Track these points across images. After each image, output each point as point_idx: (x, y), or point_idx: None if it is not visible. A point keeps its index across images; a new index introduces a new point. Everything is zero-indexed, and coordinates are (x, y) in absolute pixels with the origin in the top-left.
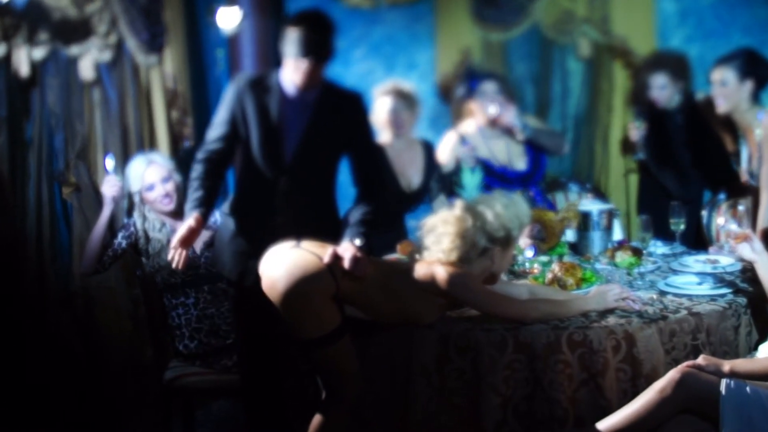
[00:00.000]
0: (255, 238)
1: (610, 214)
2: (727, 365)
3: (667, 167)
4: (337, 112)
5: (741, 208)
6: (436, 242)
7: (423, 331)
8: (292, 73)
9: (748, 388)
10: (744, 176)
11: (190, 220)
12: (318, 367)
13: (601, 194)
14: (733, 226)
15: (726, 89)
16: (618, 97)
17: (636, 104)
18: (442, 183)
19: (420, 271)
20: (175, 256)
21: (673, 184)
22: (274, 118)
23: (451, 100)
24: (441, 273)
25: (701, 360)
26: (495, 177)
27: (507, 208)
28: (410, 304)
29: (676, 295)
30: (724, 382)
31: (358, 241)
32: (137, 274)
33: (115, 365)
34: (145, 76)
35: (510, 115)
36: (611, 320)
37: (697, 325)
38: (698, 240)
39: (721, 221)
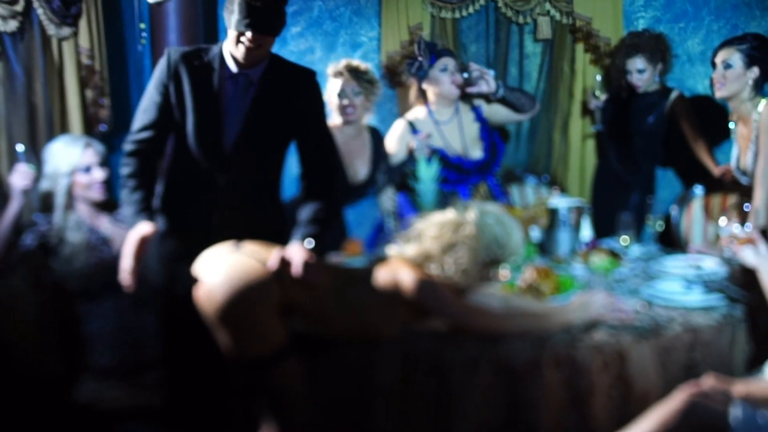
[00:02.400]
0: (187, 240)
1: (580, 211)
2: (738, 388)
3: (615, 143)
4: (285, 91)
5: (746, 208)
6: (447, 251)
7: (384, 348)
8: (234, 47)
9: (759, 418)
10: (716, 170)
11: (140, 229)
12: (260, 389)
13: (557, 186)
14: (736, 228)
15: (730, 72)
16: (579, 83)
17: (612, 89)
18: (390, 174)
19: (382, 276)
20: (126, 275)
21: (616, 162)
22: (213, 99)
23: (397, 83)
24: (407, 278)
25: (707, 382)
26: (451, 167)
27: (515, 231)
28: (369, 316)
29: (664, 305)
30: (732, 411)
31: (308, 243)
32: (43, 279)
33: (16, 379)
34: (56, 49)
35: (490, 79)
36: (599, 336)
37: (692, 341)
38: (665, 237)
39: (723, 222)
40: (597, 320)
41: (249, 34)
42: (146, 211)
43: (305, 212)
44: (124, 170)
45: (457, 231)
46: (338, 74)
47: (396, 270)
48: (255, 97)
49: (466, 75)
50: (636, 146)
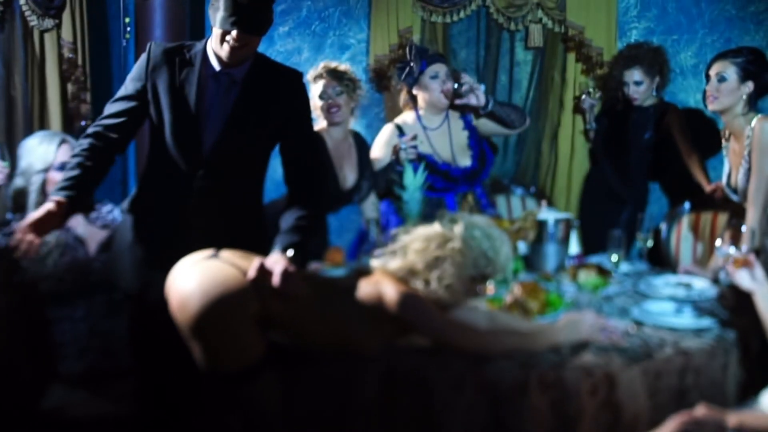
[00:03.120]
0: (161, 245)
1: (568, 225)
2: (732, 419)
3: (611, 159)
4: (270, 92)
5: (743, 229)
6: (431, 265)
7: (364, 363)
8: (218, 45)
9: None
10: (708, 187)
11: (49, 203)
12: (235, 403)
13: (545, 198)
14: (732, 250)
15: (724, 86)
16: (570, 93)
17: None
18: (375, 180)
19: (365, 289)
20: (22, 243)
21: (615, 179)
22: (193, 97)
23: (384, 87)
24: (390, 292)
25: (700, 411)
26: (438, 174)
27: (503, 244)
28: (351, 330)
29: (654, 326)
30: None
31: (290, 252)
32: (14, 279)
33: None
34: (38, 41)
35: (480, 93)
36: (588, 358)
37: (684, 365)
38: (653, 255)
39: (719, 243)
40: (586, 341)
41: (234, 32)
42: (71, 189)
43: (287, 220)
44: (76, 147)
45: (443, 246)
46: (318, 77)
47: (379, 283)
48: (238, 98)
49: (456, 86)
50: (631, 161)
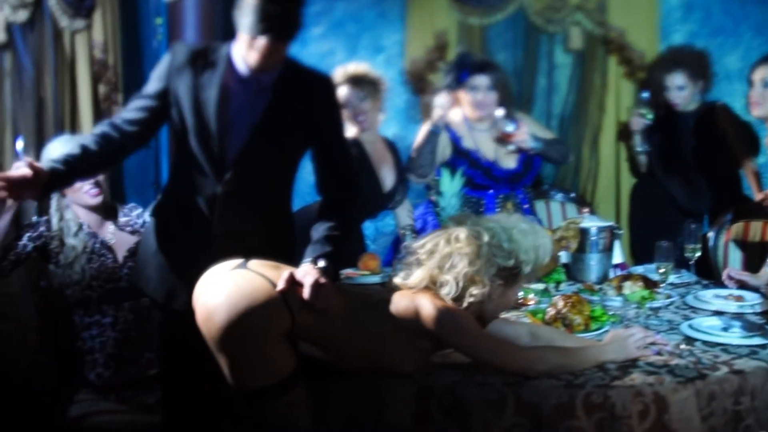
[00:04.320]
0: (187, 253)
1: (612, 233)
2: None
3: (675, 174)
4: (300, 98)
5: None
6: (445, 267)
7: (398, 381)
8: (246, 51)
9: None
10: (759, 195)
11: (26, 168)
12: (262, 419)
13: (587, 205)
14: None
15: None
16: (611, 96)
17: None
18: (412, 165)
19: (400, 304)
20: None
21: (682, 194)
22: (216, 102)
23: (421, 89)
24: (427, 308)
25: None
26: (480, 170)
27: (525, 236)
28: (385, 346)
29: (706, 342)
30: None
31: (321, 263)
32: (41, 285)
33: (12, 387)
34: (68, 42)
35: (524, 136)
36: (636, 377)
37: (740, 387)
38: (700, 265)
39: None
40: (634, 359)
41: (263, 39)
42: (62, 164)
43: (318, 229)
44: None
45: (450, 242)
46: (342, 81)
47: (416, 298)
48: (267, 105)
49: (509, 129)
50: (691, 170)
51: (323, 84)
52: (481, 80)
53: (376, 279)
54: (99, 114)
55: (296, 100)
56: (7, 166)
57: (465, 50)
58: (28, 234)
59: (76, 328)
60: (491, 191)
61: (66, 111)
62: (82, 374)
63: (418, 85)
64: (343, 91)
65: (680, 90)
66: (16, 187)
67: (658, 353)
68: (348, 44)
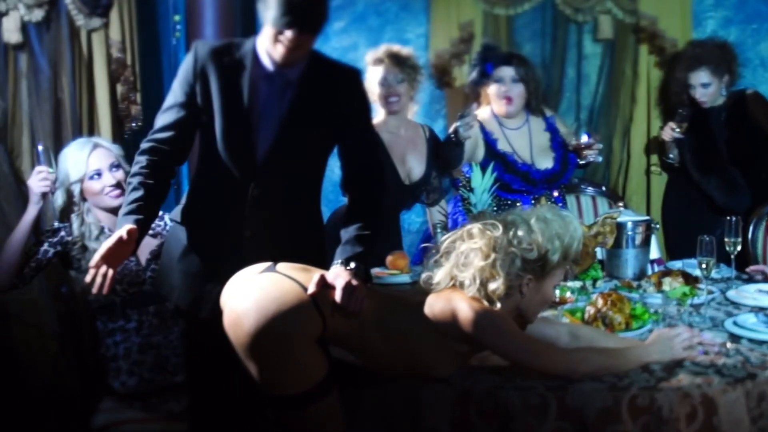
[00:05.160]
0: (214, 257)
1: (648, 228)
2: None
3: (712, 174)
4: (327, 92)
5: None
6: (461, 265)
7: (435, 386)
8: (271, 45)
9: None
10: None
11: (121, 231)
12: (293, 429)
13: (618, 198)
14: None
15: None
16: (642, 87)
17: (668, 104)
18: (439, 162)
19: (436, 306)
20: (97, 276)
21: (720, 194)
22: (245, 100)
23: (446, 83)
24: (465, 310)
25: None
26: (517, 175)
27: (547, 224)
28: (420, 350)
29: (751, 340)
30: None
31: (353, 265)
32: (62, 291)
33: (34, 396)
34: (85, 41)
35: (595, 153)
36: (684, 378)
37: None
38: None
39: None
40: (679, 359)
41: (289, 33)
42: (139, 211)
43: (349, 229)
44: (134, 167)
45: (464, 238)
46: (378, 61)
47: (452, 300)
48: (293, 100)
49: (583, 140)
50: (728, 168)
51: (351, 77)
52: (507, 72)
53: (405, 279)
54: (117, 115)
55: (323, 95)
56: (26, 170)
57: (489, 42)
58: (48, 240)
59: (99, 334)
60: (528, 195)
61: (83, 112)
62: (105, 382)
63: (444, 78)
64: (379, 70)
65: (705, 87)
66: (115, 255)
67: (705, 353)
68: (371, 38)
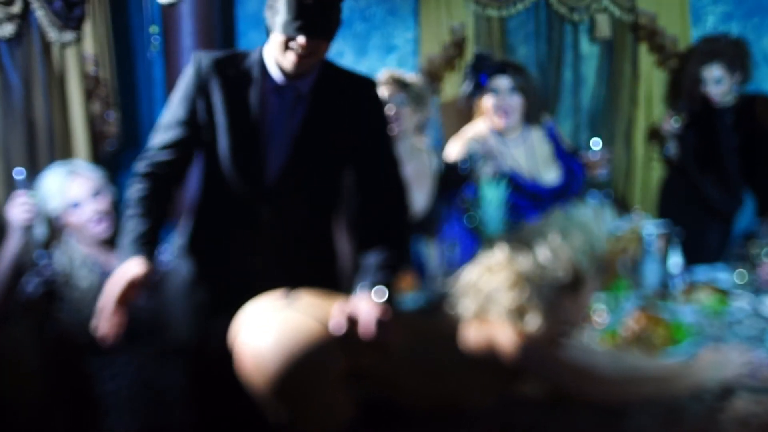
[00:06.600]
0: (222, 288)
1: (667, 238)
2: None
3: (710, 174)
4: (342, 105)
5: None
6: (491, 302)
7: (474, 420)
8: (281, 54)
9: None
10: None
11: (132, 269)
12: None
13: (622, 205)
14: None
15: None
16: (643, 87)
17: (679, 99)
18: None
19: (473, 336)
20: (102, 320)
21: (716, 194)
22: (254, 116)
23: (438, 90)
24: (507, 342)
25: None
26: (524, 195)
27: (566, 237)
28: (455, 381)
29: None
30: None
31: (379, 294)
32: (48, 330)
33: None
34: (58, 56)
35: (604, 171)
36: (739, 404)
37: None
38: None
39: None
40: (731, 382)
41: (301, 39)
42: (146, 245)
43: (370, 255)
44: (133, 193)
45: (483, 275)
46: (380, 85)
47: (490, 330)
48: (306, 115)
49: (593, 158)
50: (729, 169)
51: (366, 87)
52: (502, 82)
53: (416, 298)
54: (93, 135)
55: (338, 107)
56: (2, 197)
57: (482, 51)
58: (35, 276)
59: (89, 373)
60: (535, 211)
61: (58, 132)
62: (97, 425)
63: (436, 85)
64: (383, 90)
65: (717, 83)
66: (126, 299)
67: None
68: (357, 45)
